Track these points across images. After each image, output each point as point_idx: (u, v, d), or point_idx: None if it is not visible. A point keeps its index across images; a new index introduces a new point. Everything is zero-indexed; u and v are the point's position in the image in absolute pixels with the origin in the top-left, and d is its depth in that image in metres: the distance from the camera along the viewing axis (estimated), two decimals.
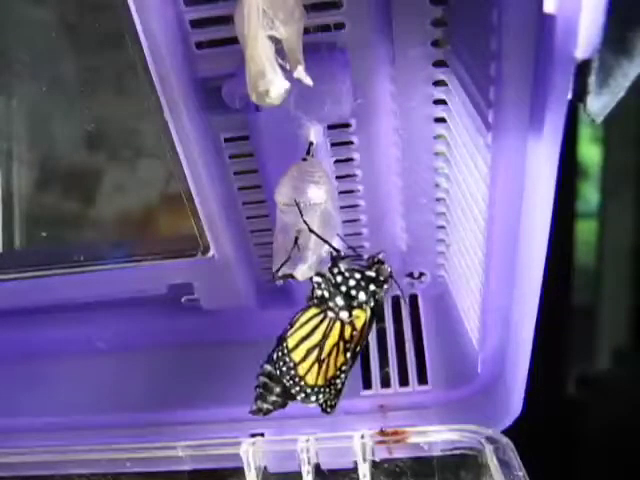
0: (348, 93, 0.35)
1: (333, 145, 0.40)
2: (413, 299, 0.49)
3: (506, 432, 0.43)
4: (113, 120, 0.45)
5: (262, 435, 0.47)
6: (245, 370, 0.37)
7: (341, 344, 0.36)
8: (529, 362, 0.39)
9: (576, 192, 0.86)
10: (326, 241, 0.36)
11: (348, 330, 0.36)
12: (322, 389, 0.37)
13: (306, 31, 0.32)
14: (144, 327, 0.49)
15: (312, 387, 0.36)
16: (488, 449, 0.41)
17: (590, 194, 0.93)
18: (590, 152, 0.92)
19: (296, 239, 0.36)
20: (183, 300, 0.47)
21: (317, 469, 0.44)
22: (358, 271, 0.36)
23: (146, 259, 0.44)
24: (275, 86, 0.30)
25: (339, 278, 0.36)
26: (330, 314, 0.36)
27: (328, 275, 0.36)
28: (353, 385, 0.47)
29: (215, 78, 0.36)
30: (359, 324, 0.36)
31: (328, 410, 0.38)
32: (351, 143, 0.40)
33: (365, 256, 0.37)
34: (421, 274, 0.48)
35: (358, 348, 0.37)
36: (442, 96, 0.37)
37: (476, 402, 0.46)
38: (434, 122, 0.39)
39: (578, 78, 0.25)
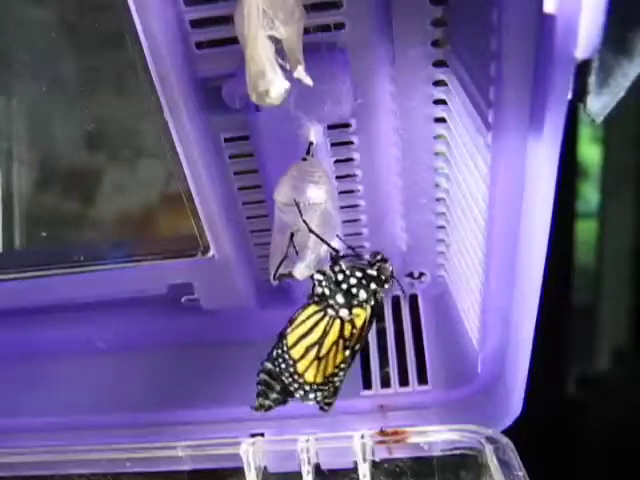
0: (348, 93, 0.35)
1: (333, 145, 0.40)
2: (413, 299, 0.49)
3: (506, 432, 0.43)
4: (113, 120, 0.45)
5: (262, 435, 0.47)
6: (245, 370, 0.37)
7: (340, 342, 0.36)
8: (529, 362, 0.39)
9: (576, 192, 0.86)
10: (324, 240, 0.36)
11: (348, 328, 0.36)
12: (321, 387, 0.37)
13: (306, 31, 0.32)
14: (144, 327, 0.49)
15: (311, 384, 0.36)
16: (488, 449, 0.41)
17: (590, 194, 0.93)
18: (590, 152, 0.92)
19: (291, 237, 0.36)
20: (183, 300, 0.47)
21: (317, 469, 0.44)
22: (359, 269, 0.36)
23: (146, 259, 0.44)
24: (275, 86, 0.30)
25: (340, 276, 0.36)
26: (330, 312, 0.36)
27: (329, 273, 0.36)
28: (353, 385, 0.47)
29: (215, 78, 0.36)
30: (359, 322, 0.36)
31: (325, 408, 0.38)
32: (351, 143, 0.40)
33: (366, 255, 0.37)
34: (421, 274, 0.48)
35: (357, 346, 0.37)
36: (442, 96, 0.37)
37: (476, 402, 0.46)
38: (434, 122, 0.39)
39: (578, 78, 0.25)
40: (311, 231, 0.35)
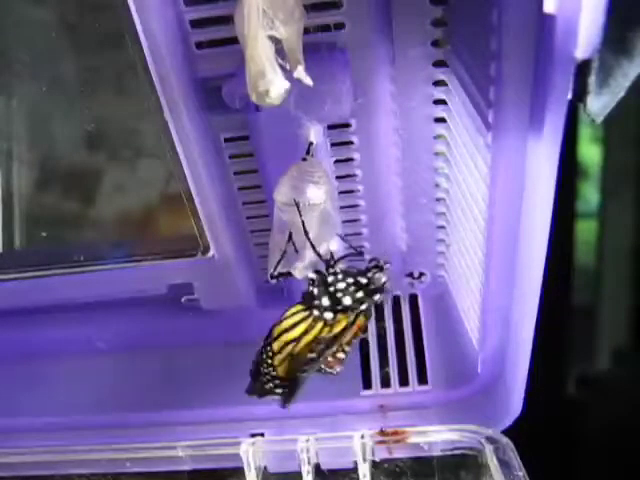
0: (348, 93, 0.35)
1: (333, 145, 0.40)
2: (413, 299, 0.49)
3: (506, 432, 0.43)
4: (113, 120, 0.45)
5: (262, 435, 0.47)
6: (245, 370, 0.37)
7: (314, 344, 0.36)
8: (529, 362, 0.39)
9: (576, 192, 0.86)
10: (314, 247, 0.35)
11: (325, 331, 0.35)
12: (287, 383, 0.36)
13: (306, 31, 0.32)
14: (144, 327, 0.49)
15: (281, 379, 0.36)
16: (488, 449, 0.41)
17: (590, 194, 0.93)
18: (590, 152, 0.92)
19: (290, 236, 0.36)
20: (183, 300, 0.47)
21: (317, 469, 0.44)
22: (352, 275, 0.35)
23: (146, 259, 0.44)
24: (275, 86, 0.30)
25: (331, 278, 0.35)
26: (315, 312, 0.35)
27: (324, 273, 0.36)
28: (353, 385, 0.47)
29: (215, 78, 0.36)
30: (337, 328, 0.35)
31: (286, 405, 0.37)
32: (351, 143, 0.40)
33: (367, 257, 0.37)
34: (421, 274, 0.48)
35: (327, 351, 0.36)
36: (442, 96, 0.37)
37: (476, 402, 0.46)
38: (434, 122, 0.39)
39: (578, 78, 0.24)
40: (306, 235, 0.35)
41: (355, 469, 0.44)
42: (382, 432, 0.44)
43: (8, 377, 0.51)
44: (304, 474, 0.43)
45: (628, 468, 0.73)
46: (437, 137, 0.40)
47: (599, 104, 0.25)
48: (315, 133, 0.36)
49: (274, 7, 0.30)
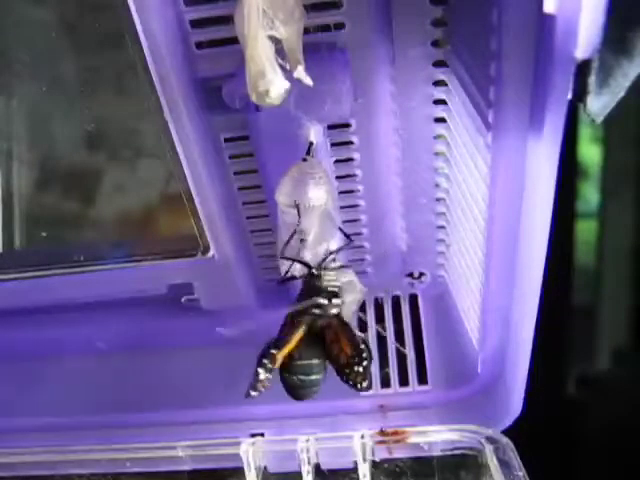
0: (348, 93, 0.35)
1: (333, 145, 0.40)
2: (413, 299, 0.49)
3: (506, 432, 0.43)
4: (113, 120, 0.45)
5: (262, 435, 0.47)
6: (245, 370, 0.37)
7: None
8: (529, 362, 0.39)
9: (576, 192, 0.86)
10: (300, 261, 0.36)
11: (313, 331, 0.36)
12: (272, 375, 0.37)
13: (306, 31, 0.32)
14: (144, 327, 0.49)
15: (271, 371, 0.36)
16: (488, 449, 0.41)
17: (590, 194, 0.93)
18: (590, 152, 0.91)
19: (291, 236, 0.36)
20: (183, 300, 0.47)
21: (317, 469, 0.44)
22: (329, 278, 0.36)
23: (146, 259, 0.44)
24: (275, 86, 0.30)
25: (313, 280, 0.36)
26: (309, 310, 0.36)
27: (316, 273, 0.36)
28: None
29: (215, 78, 0.36)
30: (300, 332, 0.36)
31: (254, 395, 0.37)
32: (351, 143, 0.40)
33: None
34: (421, 274, 0.48)
35: (296, 355, 0.36)
36: (442, 96, 0.37)
37: (476, 402, 0.46)
38: (434, 122, 0.39)
39: (578, 78, 0.24)
40: (302, 240, 0.35)
41: (355, 469, 0.44)
42: (382, 432, 0.44)
43: (8, 377, 0.51)
44: (304, 474, 0.43)
45: (628, 468, 0.73)
46: (437, 137, 0.40)
47: (599, 104, 0.25)
48: (315, 133, 0.36)
49: (274, 7, 0.30)
